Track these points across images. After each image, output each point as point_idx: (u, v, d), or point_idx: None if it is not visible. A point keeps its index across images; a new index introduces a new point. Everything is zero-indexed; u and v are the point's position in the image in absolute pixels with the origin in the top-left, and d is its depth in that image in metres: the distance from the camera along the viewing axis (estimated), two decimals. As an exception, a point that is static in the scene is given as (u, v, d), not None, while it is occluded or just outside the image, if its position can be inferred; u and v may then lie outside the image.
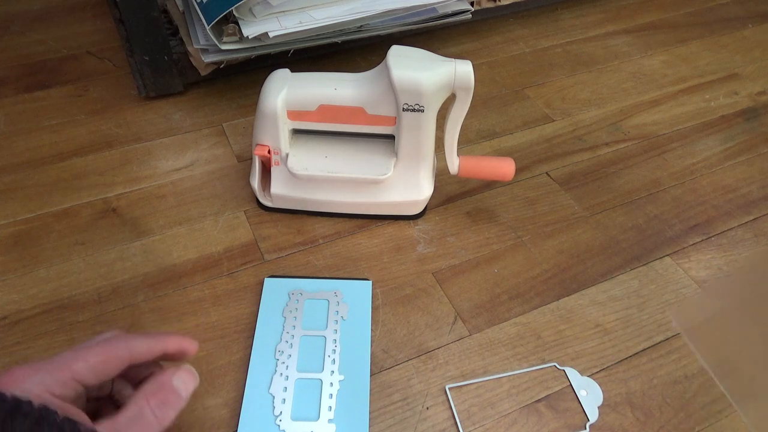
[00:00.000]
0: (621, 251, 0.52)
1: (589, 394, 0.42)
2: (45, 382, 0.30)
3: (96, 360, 0.32)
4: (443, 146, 0.51)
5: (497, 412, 0.42)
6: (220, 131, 0.63)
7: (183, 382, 0.35)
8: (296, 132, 0.51)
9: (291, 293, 0.47)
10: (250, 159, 0.57)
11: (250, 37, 0.58)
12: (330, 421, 0.40)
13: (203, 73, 0.64)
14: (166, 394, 0.34)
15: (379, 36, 0.67)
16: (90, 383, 0.32)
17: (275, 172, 0.52)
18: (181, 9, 0.65)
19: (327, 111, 0.48)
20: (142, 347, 0.35)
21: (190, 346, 0.37)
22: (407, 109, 0.46)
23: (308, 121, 0.49)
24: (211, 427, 0.40)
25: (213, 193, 0.56)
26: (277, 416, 0.40)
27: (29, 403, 0.28)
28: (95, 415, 0.32)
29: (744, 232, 0.55)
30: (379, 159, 0.50)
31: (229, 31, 0.59)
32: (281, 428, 0.39)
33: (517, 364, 0.44)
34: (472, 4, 0.72)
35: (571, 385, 0.43)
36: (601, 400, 0.42)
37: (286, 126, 0.49)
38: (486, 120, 0.66)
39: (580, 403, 0.42)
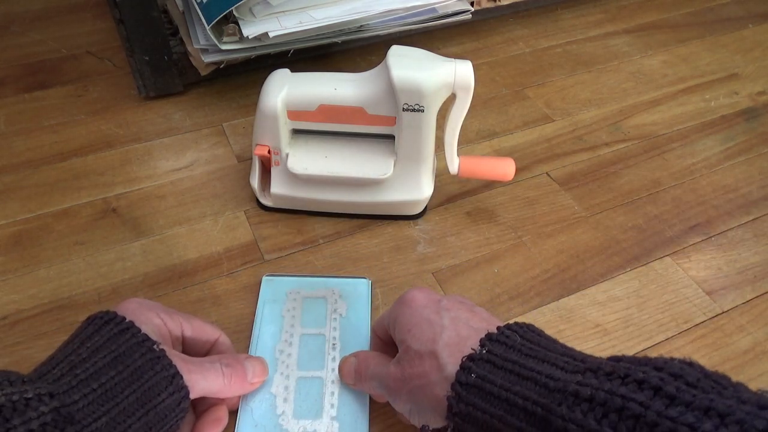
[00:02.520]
0: (621, 251, 0.52)
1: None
2: (161, 315, 0.37)
3: (197, 322, 0.39)
4: (443, 146, 0.51)
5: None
6: (220, 131, 0.63)
7: (252, 365, 0.39)
8: (296, 132, 0.51)
9: (288, 292, 0.47)
10: (250, 159, 0.57)
11: (250, 37, 0.58)
12: (333, 418, 0.40)
13: (203, 73, 0.64)
14: (235, 362, 0.38)
15: (379, 36, 0.67)
16: (186, 334, 0.38)
17: (275, 172, 0.52)
18: (181, 9, 0.65)
19: (327, 111, 0.48)
20: (228, 341, 0.41)
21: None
22: (407, 109, 0.46)
23: (308, 121, 0.49)
24: (211, 427, 0.40)
25: (213, 193, 0.56)
26: (280, 415, 0.40)
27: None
28: None
29: (744, 232, 0.55)
30: (379, 159, 0.50)
31: (229, 31, 0.59)
32: (284, 427, 0.39)
33: (517, 364, 0.44)
34: (472, 4, 0.72)
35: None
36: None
37: (286, 126, 0.49)
38: (486, 120, 0.66)
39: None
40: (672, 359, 0.28)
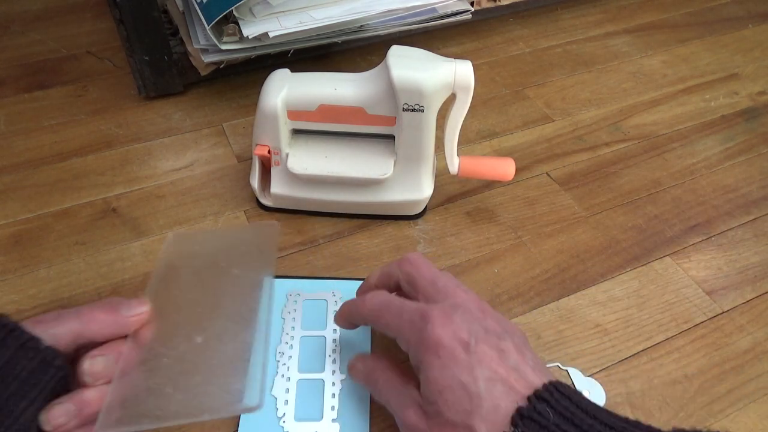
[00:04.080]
0: (621, 251, 0.52)
1: (592, 395, 0.42)
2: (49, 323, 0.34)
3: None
4: (443, 146, 0.51)
5: (497, 412, 0.42)
6: (220, 131, 0.63)
7: (127, 300, 0.37)
8: (296, 132, 0.51)
9: (288, 294, 0.47)
10: (250, 159, 0.57)
11: (250, 37, 0.58)
12: (333, 420, 0.40)
13: (203, 73, 0.64)
14: (100, 302, 0.36)
15: (379, 36, 0.67)
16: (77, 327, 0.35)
17: (275, 172, 0.52)
18: (181, 9, 0.65)
19: (327, 111, 0.48)
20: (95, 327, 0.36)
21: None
22: (407, 109, 0.46)
23: (308, 121, 0.49)
24: (211, 428, 0.40)
25: (213, 193, 0.56)
26: (281, 417, 0.40)
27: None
28: None
29: (744, 232, 0.55)
30: (379, 159, 0.50)
31: (229, 31, 0.59)
32: (285, 429, 0.39)
33: (517, 364, 0.44)
34: (472, 4, 0.72)
35: (573, 385, 0.43)
36: (604, 400, 0.42)
37: (286, 126, 0.49)
38: (486, 120, 0.66)
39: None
40: None
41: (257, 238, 0.46)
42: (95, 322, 0.35)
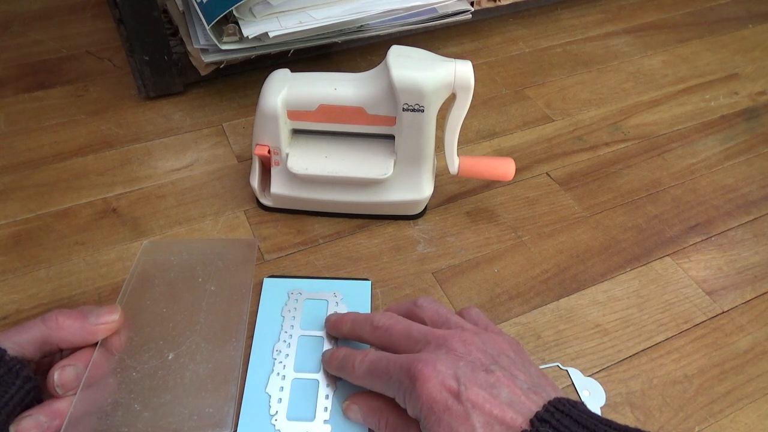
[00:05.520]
0: (621, 251, 0.52)
1: (592, 395, 0.42)
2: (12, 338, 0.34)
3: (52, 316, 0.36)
4: (443, 146, 0.51)
5: (497, 412, 0.41)
6: (220, 131, 0.63)
7: (96, 309, 0.37)
8: (296, 132, 0.51)
9: (290, 293, 0.47)
10: (250, 159, 0.57)
11: (250, 37, 0.58)
12: (326, 421, 0.39)
13: (203, 73, 0.64)
14: (67, 310, 0.36)
15: (379, 36, 0.67)
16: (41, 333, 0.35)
17: (275, 172, 0.52)
18: (181, 9, 0.65)
19: (327, 111, 0.48)
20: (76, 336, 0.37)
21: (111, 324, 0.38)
22: (407, 109, 0.46)
23: (308, 121, 0.49)
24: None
25: (213, 193, 0.56)
26: (273, 416, 0.40)
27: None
28: None
29: (744, 232, 0.55)
30: (379, 159, 0.50)
31: (229, 31, 0.59)
32: (276, 428, 0.39)
33: (517, 364, 0.44)
34: (472, 4, 0.72)
35: (573, 385, 0.43)
36: (604, 400, 0.42)
37: (286, 126, 0.49)
38: (486, 120, 0.66)
39: (582, 403, 0.42)
40: None
41: (235, 255, 0.46)
42: (61, 328, 0.35)
